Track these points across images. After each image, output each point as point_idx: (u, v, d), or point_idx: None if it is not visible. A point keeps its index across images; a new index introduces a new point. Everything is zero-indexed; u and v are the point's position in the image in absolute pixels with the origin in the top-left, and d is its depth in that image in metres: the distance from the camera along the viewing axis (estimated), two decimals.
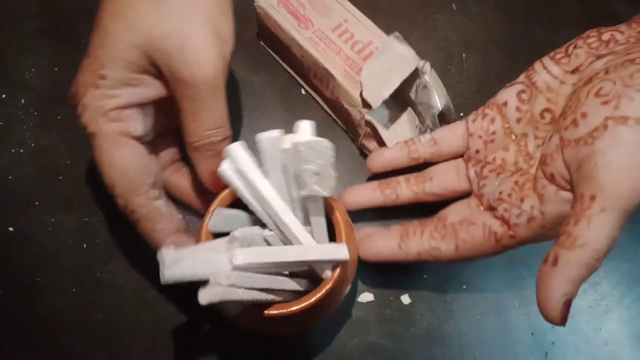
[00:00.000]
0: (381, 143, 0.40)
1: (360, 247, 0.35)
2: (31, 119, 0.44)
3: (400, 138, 0.43)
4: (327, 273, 0.31)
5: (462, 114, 0.46)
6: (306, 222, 0.33)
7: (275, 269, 0.30)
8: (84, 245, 0.40)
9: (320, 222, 0.32)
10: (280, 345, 0.38)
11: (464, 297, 0.40)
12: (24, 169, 0.42)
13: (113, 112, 0.30)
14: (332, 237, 0.33)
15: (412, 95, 0.41)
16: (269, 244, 0.32)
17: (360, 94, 0.39)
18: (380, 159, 0.38)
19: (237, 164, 0.30)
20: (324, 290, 0.31)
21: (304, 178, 0.29)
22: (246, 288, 0.28)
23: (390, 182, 0.38)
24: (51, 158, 0.43)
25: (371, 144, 0.41)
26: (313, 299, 0.30)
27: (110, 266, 0.40)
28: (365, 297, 0.40)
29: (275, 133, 0.30)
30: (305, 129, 0.29)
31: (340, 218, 0.33)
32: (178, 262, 0.26)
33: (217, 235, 0.32)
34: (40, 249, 0.40)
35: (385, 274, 0.40)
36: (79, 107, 0.30)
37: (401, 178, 0.38)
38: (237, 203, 0.33)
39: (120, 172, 0.31)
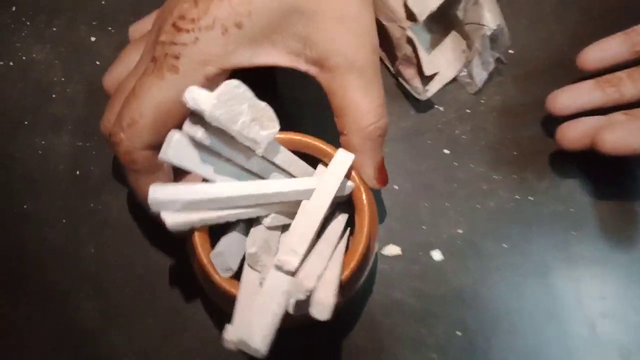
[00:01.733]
0: (421, 69, 0.34)
1: (602, 139, 0.31)
2: (23, 29, 0.39)
3: (442, 67, 0.37)
4: (350, 184, 0.28)
5: (511, 51, 0.40)
6: (281, 174, 0.28)
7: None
8: (77, 173, 0.36)
9: (291, 158, 0.27)
10: None
11: (504, 257, 0.35)
12: (13, 84, 0.37)
13: (216, 67, 0.25)
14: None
15: (460, 13, 0.35)
16: (279, 228, 0.27)
17: (404, 4, 0.33)
18: (598, 54, 0.34)
19: (178, 202, 0.23)
20: (364, 197, 0.28)
21: (247, 136, 0.23)
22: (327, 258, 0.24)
23: (611, 80, 0.33)
24: (43, 74, 0.38)
25: (409, 71, 0.36)
26: (367, 212, 0.27)
27: (105, 197, 0.35)
28: (391, 249, 0.35)
29: (175, 135, 0.23)
30: (200, 96, 0.22)
31: (308, 140, 0.28)
32: (252, 331, 0.21)
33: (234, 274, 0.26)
34: (27, 173, 0.36)
35: (415, 225, 0.35)
36: (189, 33, 0.24)
37: (623, 74, 0.33)
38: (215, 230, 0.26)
39: (161, 112, 0.25)
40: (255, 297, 0.23)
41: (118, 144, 0.25)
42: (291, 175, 0.28)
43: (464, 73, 0.39)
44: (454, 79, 0.39)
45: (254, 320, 0.21)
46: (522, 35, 0.41)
